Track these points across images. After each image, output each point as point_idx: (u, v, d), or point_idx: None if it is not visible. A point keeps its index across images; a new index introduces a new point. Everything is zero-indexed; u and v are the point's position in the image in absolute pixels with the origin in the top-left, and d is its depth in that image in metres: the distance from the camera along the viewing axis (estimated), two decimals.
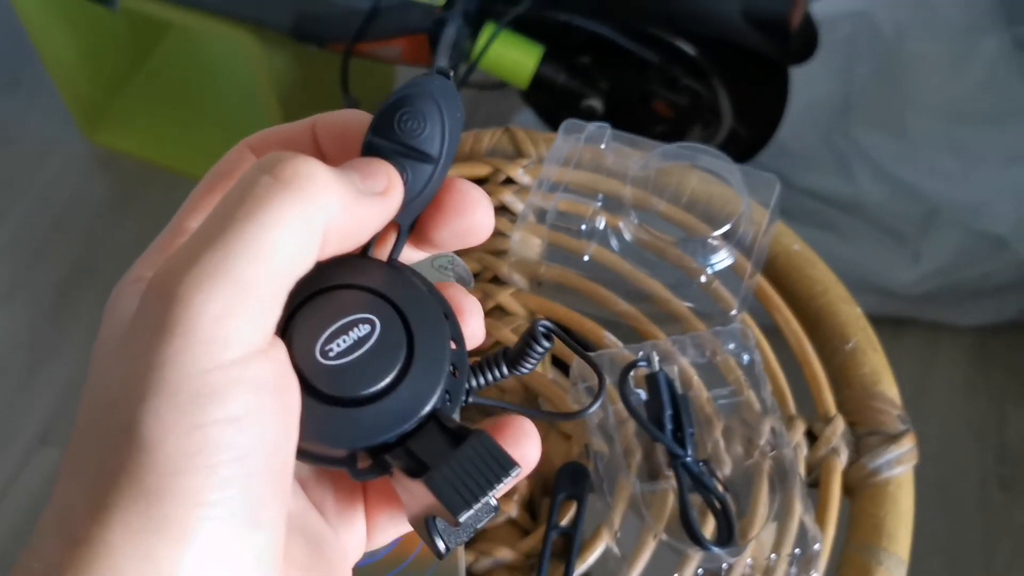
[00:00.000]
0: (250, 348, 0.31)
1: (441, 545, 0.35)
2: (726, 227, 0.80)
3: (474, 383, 0.39)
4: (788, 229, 0.84)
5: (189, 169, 1.88)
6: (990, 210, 1.68)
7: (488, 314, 0.82)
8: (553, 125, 1.68)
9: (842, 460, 0.75)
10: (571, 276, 0.83)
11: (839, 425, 0.76)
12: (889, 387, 0.78)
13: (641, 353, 0.76)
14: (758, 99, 1.58)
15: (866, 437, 0.76)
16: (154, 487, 0.29)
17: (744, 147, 1.60)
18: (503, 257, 0.84)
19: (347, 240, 0.35)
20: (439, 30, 1.47)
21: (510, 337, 0.81)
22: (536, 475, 0.76)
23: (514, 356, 0.41)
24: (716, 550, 0.70)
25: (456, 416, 0.37)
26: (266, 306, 0.31)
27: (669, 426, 0.73)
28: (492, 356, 0.41)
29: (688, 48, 1.50)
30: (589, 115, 1.59)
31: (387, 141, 0.37)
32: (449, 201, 0.37)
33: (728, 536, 0.71)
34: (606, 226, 0.82)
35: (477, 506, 0.33)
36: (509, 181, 0.88)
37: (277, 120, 1.65)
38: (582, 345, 0.41)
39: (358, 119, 0.38)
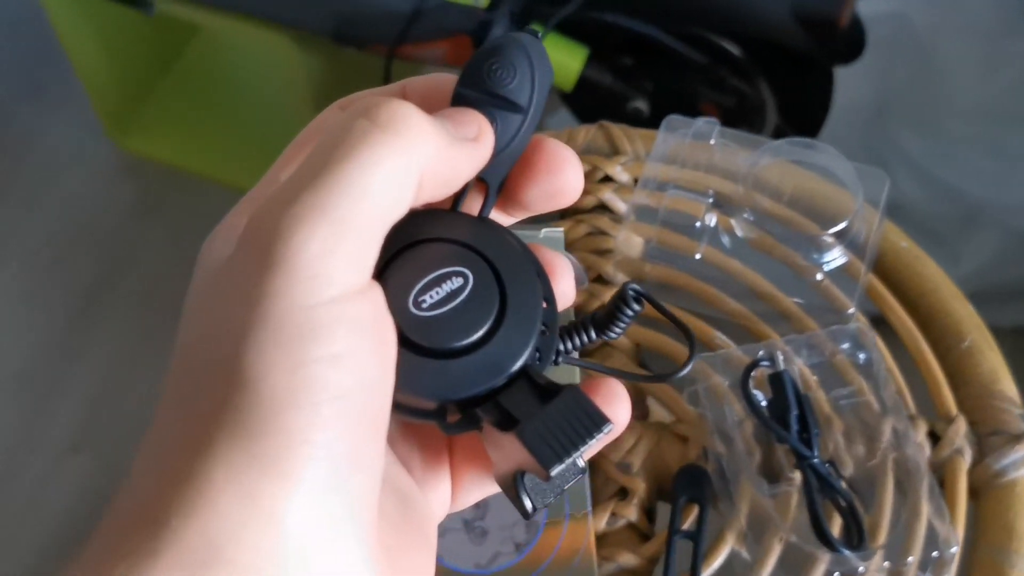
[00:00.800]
0: (350, 287, 0.30)
1: (528, 504, 0.35)
2: (841, 225, 0.78)
3: (562, 347, 0.39)
4: (895, 226, 0.83)
5: (218, 175, 1.86)
6: None
7: None
8: None
9: (966, 461, 0.74)
10: (676, 275, 0.81)
11: (961, 425, 0.75)
12: (1008, 386, 0.77)
13: (761, 352, 0.74)
14: (803, 100, 1.57)
15: (988, 437, 0.75)
16: (257, 424, 0.28)
17: None
18: (606, 256, 0.82)
19: (441, 187, 0.35)
20: (482, 31, 1.45)
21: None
22: (653, 479, 0.75)
23: (603, 320, 0.40)
24: (847, 552, 0.69)
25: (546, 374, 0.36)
26: (365, 246, 0.31)
27: (795, 427, 0.72)
28: (581, 320, 0.40)
29: (734, 48, 1.49)
30: (635, 117, 1.57)
31: (476, 91, 0.37)
32: (539, 160, 0.37)
33: (858, 538, 0.69)
34: (717, 224, 0.81)
35: (568, 460, 0.33)
36: (607, 179, 0.86)
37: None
38: (691, 343, 0.41)
39: (448, 82, 0.38)
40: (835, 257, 0.79)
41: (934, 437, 0.75)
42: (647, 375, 0.43)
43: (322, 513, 0.29)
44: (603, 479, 0.74)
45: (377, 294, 0.32)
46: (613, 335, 0.40)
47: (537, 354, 0.36)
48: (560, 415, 0.33)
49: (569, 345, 0.39)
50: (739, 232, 0.80)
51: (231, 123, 1.92)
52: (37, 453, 1.65)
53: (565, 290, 0.39)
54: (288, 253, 0.29)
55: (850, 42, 1.48)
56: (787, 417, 0.72)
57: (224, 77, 1.99)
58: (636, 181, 0.85)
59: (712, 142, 0.83)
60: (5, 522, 1.59)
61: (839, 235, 0.79)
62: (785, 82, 1.53)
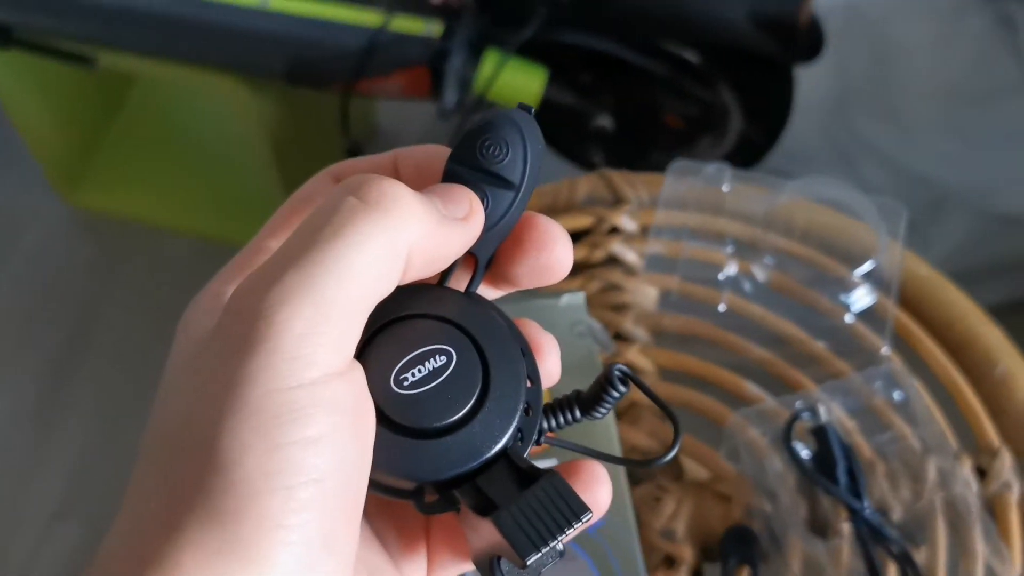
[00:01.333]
0: (331, 369, 0.30)
1: None
2: (868, 266, 0.77)
3: (544, 425, 0.38)
4: (913, 255, 0.81)
5: (177, 224, 1.80)
6: (997, 189, 1.67)
7: None
8: (559, 148, 1.65)
9: (1015, 493, 0.73)
10: (697, 324, 0.79)
11: (1006, 457, 0.73)
12: None
13: (799, 404, 0.72)
14: (765, 102, 1.56)
15: None
16: (230, 508, 0.28)
17: (753, 151, 1.58)
18: (623, 312, 0.80)
19: (428, 265, 0.34)
20: (439, 61, 1.42)
21: (641, 395, 0.77)
22: (699, 542, 0.73)
23: (587, 400, 0.39)
24: None
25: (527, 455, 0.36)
26: (348, 327, 0.31)
27: (843, 479, 0.70)
28: (565, 399, 0.39)
29: (693, 57, 1.47)
30: (599, 134, 1.55)
31: (468, 168, 0.36)
32: (529, 236, 0.37)
33: None
34: (738, 271, 0.79)
35: (545, 550, 0.32)
36: (614, 230, 0.84)
37: (268, 164, 1.60)
38: (676, 430, 0.39)
39: (440, 153, 0.37)
40: (861, 296, 0.77)
41: (980, 472, 0.74)
42: (629, 460, 0.42)
43: None
44: (648, 548, 0.72)
45: (358, 375, 0.32)
46: (598, 416, 0.39)
47: (519, 435, 0.35)
48: (538, 503, 0.33)
49: (553, 423, 0.38)
50: (760, 277, 0.78)
51: (184, 171, 1.86)
52: (22, 524, 1.60)
53: (551, 368, 0.38)
54: (270, 334, 0.29)
55: (810, 41, 1.47)
56: (834, 470, 0.70)
57: (172, 124, 1.92)
58: (644, 229, 0.83)
59: (725, 187, 0.81)
60: None
61: (865, 275, 0.77)
62: (747, 86, 1.52)
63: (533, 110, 0.37)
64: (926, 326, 0.79)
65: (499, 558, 0.33)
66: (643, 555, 0.68)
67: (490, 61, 1.42)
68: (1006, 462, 0.73)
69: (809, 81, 1.67)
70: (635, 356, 0.78)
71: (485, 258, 0.37)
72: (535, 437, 0.36)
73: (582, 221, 0.84)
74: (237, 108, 1.56)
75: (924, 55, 1.77)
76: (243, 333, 0.29)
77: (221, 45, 1.48)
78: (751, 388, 0.77)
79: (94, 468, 1.63)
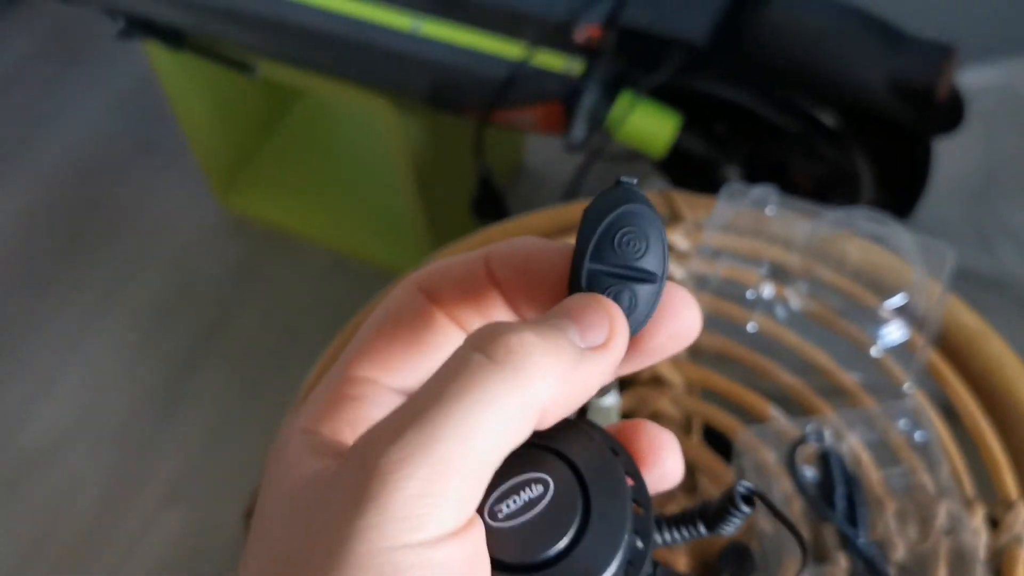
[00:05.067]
0: (444, 529, 0.29)
1: None
2: (898, 298, 0.76)
3: (668, 538, 0.38)
4: (960, 302, 0.80)
5: (319, 237, 1.89)
6: None
7: (645, 384, 0.80)
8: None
9: None
10: (731, 346, 0.80)
11: (1022, 511, 0.72)
12: None
13: (809, 427, 0.72)
14: (900, 171, 1.54)
15: None
16: None
17: None
18: None
19: (566, 408, 0.32)
20: (575, 98, 1.45)
21: (668, 408, 0.78)
22: (698, 554, 0.73)
23: (712, 516, 0.38)
24: None
25: None
26: (468, 488, 0.29)
27: (841, 506, 0.70)
28: (688, 514, 0.38)
29: (829, 118, 1.47)
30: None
31: (607, 265, 0.33)
32: (665, 307, 0.34)
33: None
34: (773, 295, 0.79)
35: None
36: None
37: (409, 187, 1.65)
38: (804, 550, 0.39)
39: (532, 245, 0.35)
40: (893, 331, 0.77)
41: (994, 523, 0.72)
42: None
43: None
44: None
45: (476, 532, 0.30)
46: (722, 532, 0.38)
47: (628, 567, 0.33)
48: None
49: (677, 536, 0.38)
50: (794, 304, 0.79)
51: (332, 185, 1.95)
52: (133, 505, 1.68)
53: (670, 469, 0.37)
54: (383, 492, 0.28)
55: (949, 113, 1.45)
56: (834, 496, 0.70)
57: (327, 140, 2.03)
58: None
59: (768, 211, 0.82)
60: (99, 573, 1.61)
61: (899, 310, 0.77)
62: (881, 153, 1.50)
63: (636, 181, 0.35)
64: (962, 373, 0.78)
65: None
66: None
67: (623, 102, 1.45)
68: (1020, 515, 0.71)
69: (957, 158, 1.64)
70: (664, 368, 0.79)
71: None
72: (649, 570, 0.34)
73: None
74: (386, 130, 1.62)
75: None
76: (357, 490, 0.29)
77: (373, 64, 1.55)
78: (775, 414, 0.77)
79: (208, 459, 1.71)
